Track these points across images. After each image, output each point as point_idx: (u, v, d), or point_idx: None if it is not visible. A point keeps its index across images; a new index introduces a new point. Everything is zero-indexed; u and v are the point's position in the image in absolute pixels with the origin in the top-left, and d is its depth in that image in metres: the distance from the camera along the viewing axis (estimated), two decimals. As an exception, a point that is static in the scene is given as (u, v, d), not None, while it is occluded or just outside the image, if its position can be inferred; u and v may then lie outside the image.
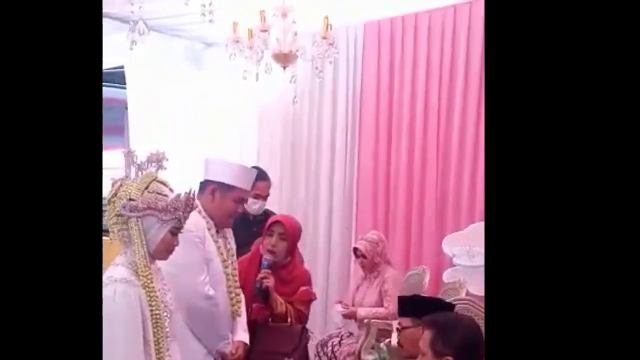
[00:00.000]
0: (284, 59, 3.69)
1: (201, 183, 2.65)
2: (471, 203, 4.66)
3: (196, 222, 2.48)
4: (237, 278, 2.66)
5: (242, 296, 2.73)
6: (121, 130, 6.87)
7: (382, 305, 4.09)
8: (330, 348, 4.03)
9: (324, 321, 4.86)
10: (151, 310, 1.91)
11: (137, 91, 5.22)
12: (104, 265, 1.95)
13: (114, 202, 1.95)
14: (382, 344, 3.40)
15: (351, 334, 4.15)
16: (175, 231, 1.99)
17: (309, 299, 3.08)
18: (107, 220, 1.97)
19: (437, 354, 2.01)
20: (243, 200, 2.72)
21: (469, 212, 4.66)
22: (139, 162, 1.97)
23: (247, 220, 3.66)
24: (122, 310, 1.86)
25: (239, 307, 2.68)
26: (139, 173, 1.98)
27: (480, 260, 4.24)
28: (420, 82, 4.83)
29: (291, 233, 3.04)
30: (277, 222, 3.02)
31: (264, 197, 3.79)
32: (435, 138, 4.83)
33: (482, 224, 4.41)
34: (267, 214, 3.78)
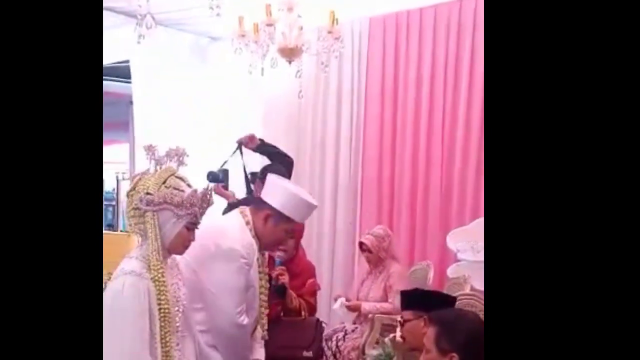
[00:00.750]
0: (290, 53, 3.69)
1: (258, 199, 2.53)
2: (476, 198, 4.66)
3: (250, 246, 2.39)
4: (266, 303, 2.57)
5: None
6: (126, 124, 6.88)
7: (386, 300, 4.10)
8: (334, 343, 4.03)
9: (328, 316, 4.87)
10: (159, 304, 1.91)
11: (142, 85, 5.22)
12: (118, 259, 1.97)
13: (132, 196, 1.96)
14: (386, 339, 3.40)
15: (356, 328, 4.15)
16: (191, 227, 1.99)
17: (315, 290, 3.11)
18: (126, 213, 1.99)
19: (442, 351, 1.98)
20: (294, 232, 2.63)
21: (473, 207, 4.66)
22: (157, 156, 1.97)
23: None
24: (129, 303, 1.87)
25: (265, 331, 2.60)
26: (158, 168, 1.98)
27: (484, 255, 4.23)
28: (426, 77, 4.83)
29: (298, 230, 3.04)
30: None
31: None
32: (440, 133, 4.83)
33: (487, 219, 4.40)
34: None
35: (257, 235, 2.42)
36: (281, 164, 3.57)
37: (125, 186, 8.48)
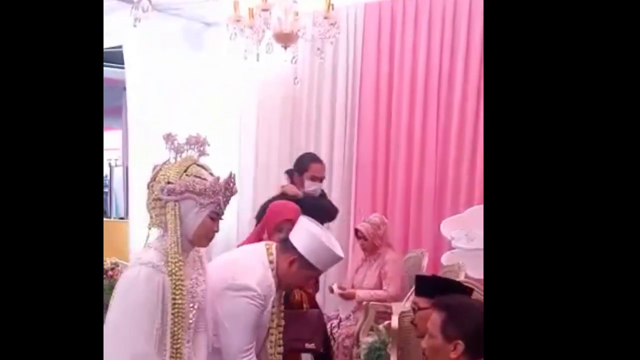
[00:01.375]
0: (286, 38, 3.66)
1: (285, 240, 2.44)
2: (470, 186, 4.67)
3: (268, 288, 2.32)
4: (281, 341, 2.49)
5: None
6: (119, 111, 6.84)
7: (381, 288, 4.10)
8: (329, 330, 4.04)
9: (323, 304, 4.87)
10: (174, 299, 1.85)
11: (135, 71, 5.17)
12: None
13: (152, 187, 1.91)
14: (381, 326, 3.40)
15: (350, 315, 4.16)
16: (214, 216, 1.94)
17: (313, 281, 3.11)
18: (147, 205, 1.94)
19: (447, 338, 1.94)
20: (314, 277, 2.58)
21: (467, 195, 4.67)
22: (176, 145, 1.92)
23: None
24: (141, 294, 1.82)
25: None
26: (178, 156, 1.93)
27: (478, 243, 4.24)
28: (421, 64, 4.82)
29: (295, 220, 3.03)
30: (288, 220, 2.93)
31: (320, 179, 3.75)
32: (434, 121, 4.83)
33: (481, 207, 4.41)
34: (322, 196, 3.81)
35: (278, 276, 2.37)
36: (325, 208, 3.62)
37: (119, 173, 8.48)
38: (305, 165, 3.71)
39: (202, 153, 1.95)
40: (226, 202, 1.97)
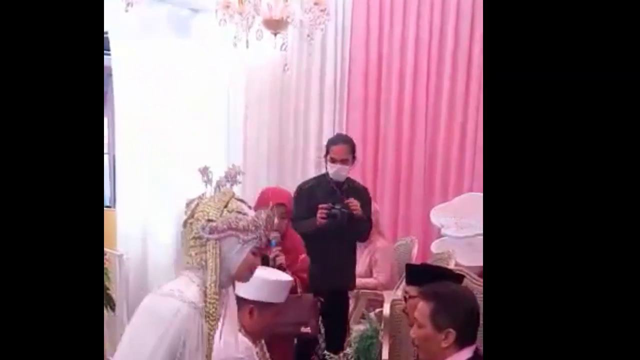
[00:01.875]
0: (275, 25, 3.62)
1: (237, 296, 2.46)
2: (459, 174, 4.68)
3: (248, 350, 2.33)
4: None
5: None
6: (105, 97, 6.74)
7: (371, 276, 4.09)
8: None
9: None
10: (208, 340, 1.78)
11: (121, 58, 5.10)
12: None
13: (191, 224, 1.82)
14: (371, 314, 3.39)
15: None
16: (256, 251, 1.87)
17: (307, 266, 3.12)
18: (184, 244, 1.85)
19: (437, 327, 1.93)
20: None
21: (457, 183, 4.68)
22: (211, 179, 1.83)
23: (327, 187, 3.65)
24: (176, 332, 1.73)
25: None
26: (217, 190, 1.84)
27: (468, 231, 4.25)
28: (410, 49, 4.83)
29: (290, 210, 3.07)
30: (280, 204, 2.96)
31: (340, 161, 3.68)
32: (424, 109, 4.84)
33: (471, 195, 4.43)
34: (348, 183, 3.75)
35: (248, 331, 2.38)
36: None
37: (104, 161, 8.39)
38: (327, 148, 3.71)
39: (234, 182, 1.87)
40: (267, 235, 1.91)
